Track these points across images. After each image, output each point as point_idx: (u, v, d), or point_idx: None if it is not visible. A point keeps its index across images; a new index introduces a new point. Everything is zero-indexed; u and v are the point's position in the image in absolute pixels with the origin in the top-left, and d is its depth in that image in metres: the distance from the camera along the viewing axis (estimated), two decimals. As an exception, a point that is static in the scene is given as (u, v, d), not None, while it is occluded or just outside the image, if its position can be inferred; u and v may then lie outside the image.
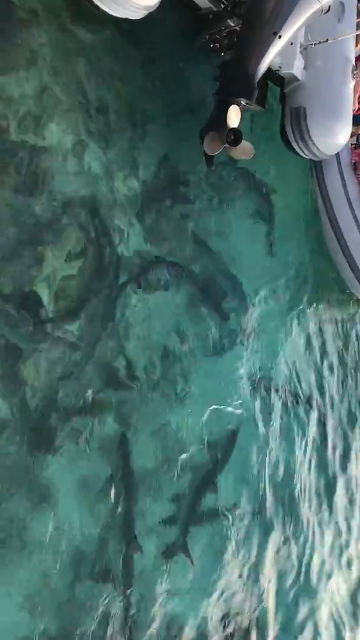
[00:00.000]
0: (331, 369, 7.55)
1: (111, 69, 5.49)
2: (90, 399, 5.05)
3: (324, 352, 7.50)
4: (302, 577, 6.64)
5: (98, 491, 5.00)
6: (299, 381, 7.06)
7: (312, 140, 6.17)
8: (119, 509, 5.10)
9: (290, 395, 6.86)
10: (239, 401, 6.24)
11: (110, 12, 4.62)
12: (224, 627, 5.79)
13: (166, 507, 5.48)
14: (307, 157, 6.54)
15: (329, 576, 7.00)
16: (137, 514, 5.23)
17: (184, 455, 5.64)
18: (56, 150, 5.07)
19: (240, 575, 5.98)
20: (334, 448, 7.37)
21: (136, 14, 4.68)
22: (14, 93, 4.82)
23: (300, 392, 7.01)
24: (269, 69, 5.29)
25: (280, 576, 6.42)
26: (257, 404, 6.47)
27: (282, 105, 6.35)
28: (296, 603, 6.54)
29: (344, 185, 6.71)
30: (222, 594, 5.79)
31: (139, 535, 5.20)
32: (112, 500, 5.07)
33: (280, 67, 5.84)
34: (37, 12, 4.97)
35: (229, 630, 5.81)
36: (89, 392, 5.05)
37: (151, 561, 5.29)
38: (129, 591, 5.06)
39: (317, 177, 6.83)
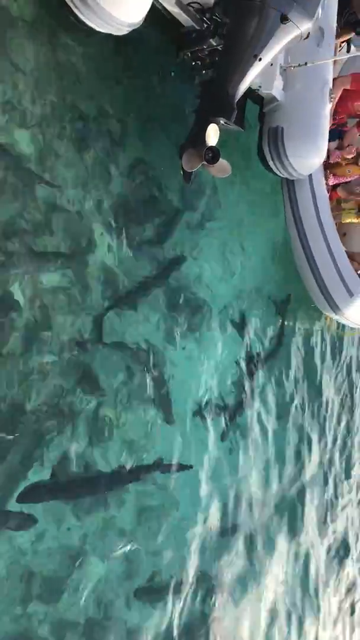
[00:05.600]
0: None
1: (91, 82, 5.53)
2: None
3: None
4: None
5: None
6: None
7: (288, 160, 6.31)
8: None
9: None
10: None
11: (95, 27, 4.67)
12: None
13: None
14: (283, 176, 6.68)
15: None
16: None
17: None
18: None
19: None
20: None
21: (120, 31, 4.74)
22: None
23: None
24: (249, 88, 5.38)
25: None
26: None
27: (260, 124, 6.48)
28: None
29: (315, 204, 6.87)
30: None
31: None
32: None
33: (260, 86, 5.94)
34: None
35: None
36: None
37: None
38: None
39: (289, 194, 6.99)
